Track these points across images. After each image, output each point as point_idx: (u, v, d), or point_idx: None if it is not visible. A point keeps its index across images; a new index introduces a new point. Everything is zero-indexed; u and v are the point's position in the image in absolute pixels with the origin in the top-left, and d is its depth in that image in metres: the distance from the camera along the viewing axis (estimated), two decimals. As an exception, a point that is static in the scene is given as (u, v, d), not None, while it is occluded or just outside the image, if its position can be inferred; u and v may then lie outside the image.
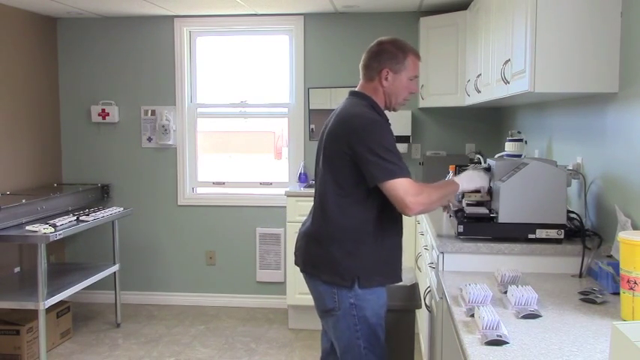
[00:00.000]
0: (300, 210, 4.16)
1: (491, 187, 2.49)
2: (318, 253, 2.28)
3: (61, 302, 3.96)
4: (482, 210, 2.44)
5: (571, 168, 2.65)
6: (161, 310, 4.85)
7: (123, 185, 4.99)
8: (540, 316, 1.66)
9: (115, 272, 4.44)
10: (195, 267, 4.99)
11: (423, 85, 4.31)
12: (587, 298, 1.82)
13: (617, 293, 1.70)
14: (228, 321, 4.61)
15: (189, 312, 4.81)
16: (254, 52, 4.98)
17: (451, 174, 3.22)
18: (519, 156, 3.15)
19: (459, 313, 1.71)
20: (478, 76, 3.40)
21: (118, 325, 4.46)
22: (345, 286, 2.21)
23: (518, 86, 2.45)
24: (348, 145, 2.16)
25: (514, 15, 2.56)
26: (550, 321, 1.63)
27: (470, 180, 2.38)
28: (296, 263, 2.41)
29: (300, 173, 4.75)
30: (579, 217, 2.36)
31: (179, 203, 4.97)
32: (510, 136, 3.68)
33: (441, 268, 2.34)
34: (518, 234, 2.31)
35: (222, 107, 5.04)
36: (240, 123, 5.21)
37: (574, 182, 2.63)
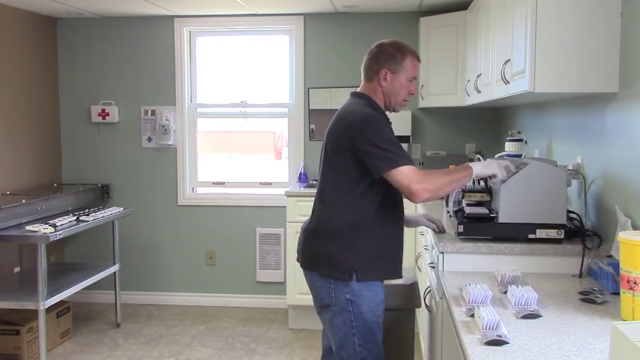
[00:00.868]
0: (300, 210, 4.16)
1: (491, 186, 2.49)
2: (316, 248, 2.32)
3: (61, 302, 3.96)
4: (483, 210, 2.44)
5: (571, 168, 2.65)
6: (161, 310, 4.85)
7: (123, 185, 4.99)
8: (540, 316, 1.66)
9: (115, 272, 4.44)
10: (195, 267, 4.99)
11: (423, 85, 4.31)
12: (587, 298, 1.82)
13: (617, 293, 1.70)
14: (228, 321, 4.61)
15: (189, 312, 4.81)
16: (254, 52, 4.98)
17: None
18: (519, 156, 3.15)
19: (459, 313, 1.71)
20: (478, 76, 3.40)
21: (118, 325, 4.46)
22: (342, 279, 2.22)
23: (518, 86, 2.45)
24: (348, 141, 2.19)
25: (514, 15, 2.56)
26: (550, 321, 1.63)
27: (486, 166, 2.29)
28: (298, 259, 2.44)
29: (300, 173, 4.75)
30: (579, 217, 2.36)
31: (179, 203, 4.97)
32: (510, 136, 3.68)
33: (441, 268, 2.34)
34: (518, 234, 2.31)
35: (222, 107, 5.04)
36: (240, 123, 5.21)
37: (574, 182, 2.63)
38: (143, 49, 4.90)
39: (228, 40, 5.03)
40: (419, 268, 3.56)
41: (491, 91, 3.08)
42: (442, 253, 2.33)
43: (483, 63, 3.32)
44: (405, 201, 2.28)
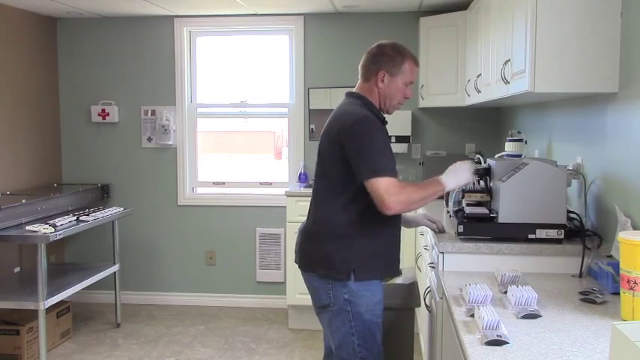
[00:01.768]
0: (300, 210, 4.16)
1: (491, 187, 2.49)
2: (313, 249, 2.32)
3: (61, 302, 3.96)
4: (482, 210, 2.44)
5: (571, 168, 2.65)
6: (161, 310, 4.85)
7: (123, 185, 4.99)
8: (540, 316, 1.66)
9: (114, 272, 4.44)
10: (195, 267, 4.99)
11: (423, 85, 4.31)
12: (587, 298, 1.82)
13: (617, 293, 1.70)
14: (228, 321, 4.61)
15: (189, 312, 4.81)
16: (254, 52, 4.98)
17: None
18: (519, 156, 3.15)
19: (459, 313, 1.71)
20: (478, 76, 3.40)
21: (118, 325, 4.46)
22: (341, 279, 2.22)
23: (518, 86, 2.45)
24: (339, 142, 2.20)
25: (514, 15, 2.56)
26: (550, 321, 1.63)
27: (456, 175, 2.26)
28: (295, 261, 2.44)
29: (300, 173, 4.75)
30: (579, 217, 2.36)
31: (179, 203, 4.97)
32: (510, 136, 3.68)
33: (441, 268, 2.34)
34: (518, 234, 2.31)
35: (222, 107, 5.04)
36: (240, 123, 5.21)
37: (574, 182, 2.63)
38: (143, 50, 4.90)
39: (228, 40, 5.03)
40: (419, 268, 3.56)
41: (492, 91, 3.08)
42: (442, 253, 2.33)
43: (483, 63, 3.33)
44: None
